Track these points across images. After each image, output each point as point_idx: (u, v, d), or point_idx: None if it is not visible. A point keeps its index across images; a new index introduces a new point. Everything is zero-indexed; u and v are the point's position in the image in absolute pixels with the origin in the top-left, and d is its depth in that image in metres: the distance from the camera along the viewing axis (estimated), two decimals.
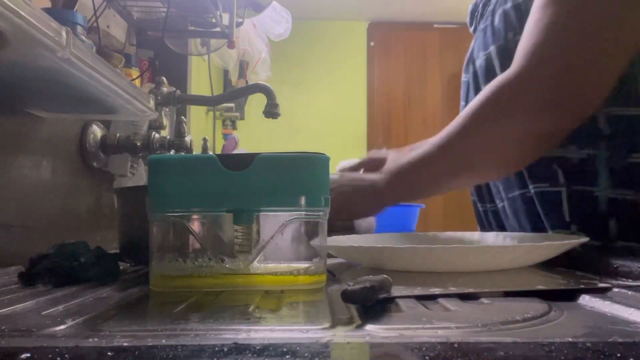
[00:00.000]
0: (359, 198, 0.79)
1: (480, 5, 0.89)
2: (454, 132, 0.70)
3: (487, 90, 0.68)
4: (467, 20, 0.95)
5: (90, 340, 0.30)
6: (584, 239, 0.56)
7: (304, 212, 0.49)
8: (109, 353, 0.27)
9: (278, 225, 0.49)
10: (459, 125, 0.70)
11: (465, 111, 0.70)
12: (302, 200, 0.48)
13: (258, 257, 0.49)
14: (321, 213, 0.50)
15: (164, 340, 0.29)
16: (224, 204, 0.48)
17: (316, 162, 0.50)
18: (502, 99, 0.66)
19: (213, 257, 0.49)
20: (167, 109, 1.26)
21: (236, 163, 0.48)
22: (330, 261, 0.66)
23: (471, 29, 0.93)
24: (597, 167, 0.69)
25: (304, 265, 0.50)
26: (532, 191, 0.76)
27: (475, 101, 0.68)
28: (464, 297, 0.42)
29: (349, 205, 0.78)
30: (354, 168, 0.98)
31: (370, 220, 0.86)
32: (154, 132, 1.10)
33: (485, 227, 0.89)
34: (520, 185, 0.78)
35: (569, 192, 0.72)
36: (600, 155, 0.69)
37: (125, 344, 0.29)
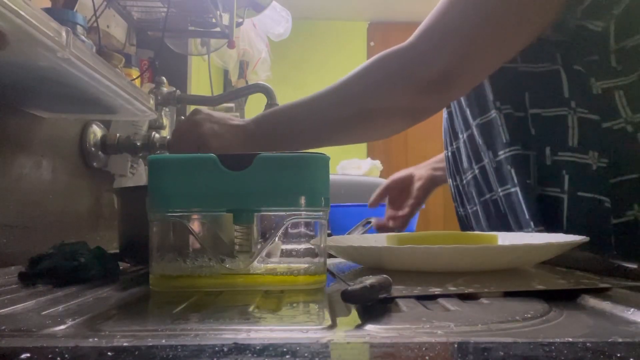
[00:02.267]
0: (230, 137, 0.79)
1: None
2: (334, 90, 0.76)
3: (378, 56, 0.74)
4: None
5: (90, 340, 0.30)
6: (584, 239, 0.56)
7: (304, 212, 0.49)
8: (109, 353, 0.27)
9: (278, 225, 0.49)
10: (343, 83, 0.76)
11: (349, 75, 0.75)
12: (302, 200, 0.48)
13: (258, 257, 0.49)
14: (321, 213, 0.50)
15: (164, 340, 0.29)
16: (224, 204, 0.48)
17: (316, 162, 0.50)
18: (391, 67, 0.72)
19: (213, 257, 0.49)
20: (167, 109, 1.26)
21: (236, 163, 0.48)
22: (330, 261, 0.66)
23: None
24: (528, 164, 0.73)
25: (304, 265, 0.50)
26: (501, 194, 0.78)
27: (364, 65, 0.74)
28: (464, 297, 0.42)
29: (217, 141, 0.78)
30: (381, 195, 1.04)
31: None
32: (154, 132, 1.10)
33: (466, 229, 0.91)
34: (486, 189, 0.81)
35: (523, 189, 0.74)
36: (526, 153, 0.73)
37: (125, 344, 0.29)
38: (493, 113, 0.76)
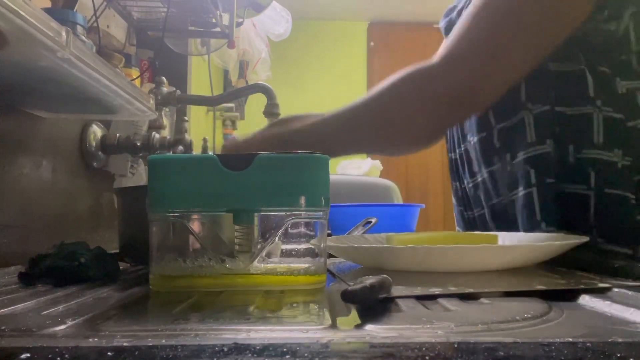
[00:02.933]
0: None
1: (455, 14, 0.92)
2: (365, 102, 0.77)
3: (406, 72, 0.75)
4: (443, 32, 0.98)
5: (90, 340, 0.30)
6: (584, 239, 0.56)
7: (304, 212, 0.49)
8: (109, 353, 0.27)
9: (278, 225, 0.49)
10: (372, 97, 0.76)
11: (378, 89, 0.76)
12: (302, 200, 0.48)
13: (258, 257, 0.49)
14: (321, 213, 0.50)
15: (164, 340, 0.29)
16: (224, 204, 0.48)
17: (316, 162, 0.50)
18: (418, 84, 0.74)
19: (213, 257, 0.49)
20: (167, 109, 1.26)
21: (236, 163, 0.48)
22: (330, 261, 0.66)
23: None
24: (551, 163, 0.74)
25: (304, 265, 0.50)
26: (511, 198, 0.78)
27: (393, 80, 0.75)
28: (464, 297, 0.42)
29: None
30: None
31: None
32: (154, 132, 1.10)
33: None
34: (495, 194, 0.81)
35: (541, 189, 0.74)
36: (551, 151, 0.74)
37: (125, 344, 0.29)
38: (521, 114, 0.76)
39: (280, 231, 0.49)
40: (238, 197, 0.48)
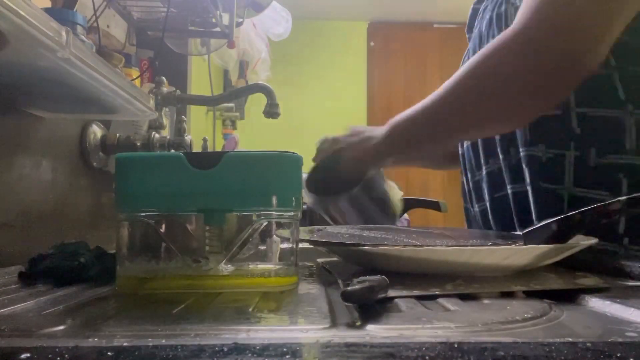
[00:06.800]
0: (357, 151, 0.81)
1: (481, 9, 0.89)
2: (451, 88, 0.71)
3: (487, 50, 0.67)
4: (467, 24, 0.95)
5: (90, 340, 0.30)
6: (593, 241, 0.55)
7: (275, 213, 0.48)
8: (109, 353, 0.27)
9: (249, 225, 0.48)
10: (457, 81, 0.70)
11: (463, 70, 0.70)
12: (273, 201, 0.47)
13: (227, 258, 0.48)
14: (292, 213, 0.49)
15: (164, 340, 0.29)
16: (194, 204, 0.47)
17: (286, 162, 0.49)
18: (501, 69, 0.67)
19: (183, 258, 0.48)
20: (167, 109, 1.26)
21: (204, 161, 0.47)
22: (329, 261, 0.66)
23: (468, 35, 0.94)
24: (564, 166, 0.71)
25: (275, 266, 0.49)
26: (510, 191, 0.77)
27: (474, 62, 0.68)
28: (464, 297, 0.42)
29: (352, 157, 0.81)
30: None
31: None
32: (154, 132, 1.10)
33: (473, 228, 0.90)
34: (501, 186, 0.80)
35: (535, 190, 0.73)
36: (541, 156, 0.72)
37: (125, 344, 0.29)
38: None
39: (256, 232, 0.48)
40: (208, 196, 0.47)
